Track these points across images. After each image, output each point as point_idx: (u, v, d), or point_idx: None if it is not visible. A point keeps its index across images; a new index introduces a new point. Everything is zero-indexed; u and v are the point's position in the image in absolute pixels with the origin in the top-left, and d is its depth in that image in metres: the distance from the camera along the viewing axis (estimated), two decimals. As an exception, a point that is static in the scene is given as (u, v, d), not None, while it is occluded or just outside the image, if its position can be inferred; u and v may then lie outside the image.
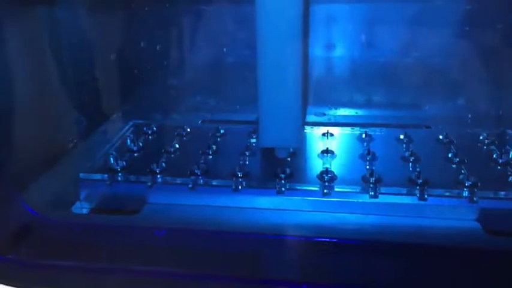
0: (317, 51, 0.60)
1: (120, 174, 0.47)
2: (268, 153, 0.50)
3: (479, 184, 0.43)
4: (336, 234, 0.41)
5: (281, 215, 0.44)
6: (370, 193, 0.43)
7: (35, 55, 0.54)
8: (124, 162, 0.48)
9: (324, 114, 0.62)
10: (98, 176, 0.47)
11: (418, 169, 0.46)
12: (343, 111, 0.63)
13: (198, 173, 0.47)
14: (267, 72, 0.44)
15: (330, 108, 0.62)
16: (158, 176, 0.47)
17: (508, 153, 0.48)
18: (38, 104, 0.54)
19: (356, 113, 0.62)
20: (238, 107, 0.64)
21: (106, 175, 0.47)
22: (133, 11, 0.62)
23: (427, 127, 0.58)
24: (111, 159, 0.48)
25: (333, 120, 0.61)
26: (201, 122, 0.63)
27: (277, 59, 0.43)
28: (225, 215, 0.44)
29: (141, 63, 0.64)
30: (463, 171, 0.45)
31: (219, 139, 0.55)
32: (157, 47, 0.63)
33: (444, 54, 0.59)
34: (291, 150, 0.49)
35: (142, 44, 0.63)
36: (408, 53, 0.60)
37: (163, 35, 0.63)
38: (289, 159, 0.49)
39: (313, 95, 0.61)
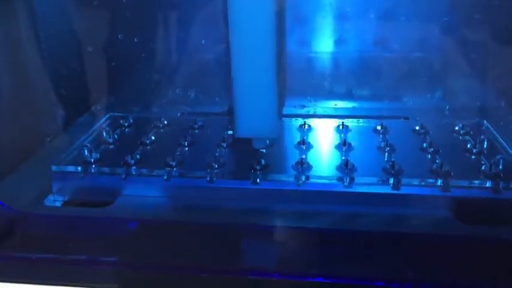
0: (295, 44, 0.60)
1: (93, 166, 0.47)
2: (245, 145, 0.50)
3: (452, 173, 0.43)
4: (310, 224, 0.41)
5: (256, 205, 0.44)
6: (345, 183, 0.44)
7: (11, 47, 0.54)
8: (98, 155, 0.48)
9: (304, 107, 0.62)
10: (71, 169, 0.47)
11: (392, 159, 0.46)
12: (322, 104, 0.63)
13: (173, 165, 0.46)
14: (240, 61, 0.43)
15: (310, 101, 0.62)
16: (132, 168, 0.46)
17: (482, 143, 0.48)
18: (14, 97, 0.53)
19: (335, 104, 0.62)
20: (217, 99, 0.64)
21: (79, 167, 0.47)
22: (112, 2, 0.62)
23: (406, 118, 0.59)
24: (85, 151, 0.48)
25: (312, 112, 0.61)
26: (180, 114, 0.63)
27: (250, 46, 0.42)
28: (199, 206, 0.44)
29: (120, 56, 0.63)
30: (437, 161, 0.45)
31: (196, 131, 0.55)
32: (136, 39, 0.63)
33: (422, 46, 0.60)
34: (268, 141, 0.49)
35: (120, 37, 0.62)
36: (387, 45, 0.60)
37: (142, 27, 0.63)
38: (264, 150, 0.49)
39: (293, 87, 0.61)
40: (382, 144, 0.49)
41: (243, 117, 0.46)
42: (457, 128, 0.53)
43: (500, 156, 0.45)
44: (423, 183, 0.43)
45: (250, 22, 0.42)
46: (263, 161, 0.46)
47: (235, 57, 0.43)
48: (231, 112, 0.46)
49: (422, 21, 0.59)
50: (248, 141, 0.50)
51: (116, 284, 0.37)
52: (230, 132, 0.54)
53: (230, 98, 0.45)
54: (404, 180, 0.43)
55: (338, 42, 0.60)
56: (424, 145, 0.49)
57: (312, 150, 0.50)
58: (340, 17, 0.59)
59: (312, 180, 0.44)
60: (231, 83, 0.44)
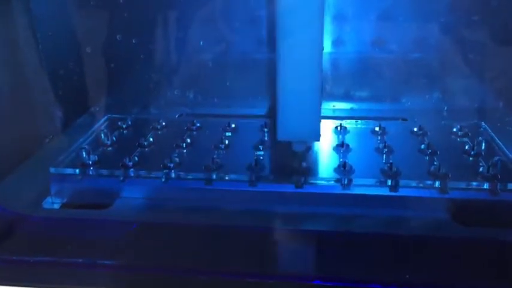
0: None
1: (92, 168, 0.47)
2: (242, 146, 0.50)
3: (450, 175, 0.43)
4: (308, 226, 0.41)
5: (254, 207, 0.44)
6: (343, 185, 0.44)
7: (9, 47, 0.54)
8: (96, 157, 0.48)
9: None
10: (69, 171, 0.47)
11: (390, 161, 0.46)
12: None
13: (171, 167, 0.46)
14: (286, 64, 0.43)
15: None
16: (131, 170, 0.46)
17: (480, 145, 0.48)
18: (12, 98, 0.53)
19: (333, 106, 0.62)
20: (216, 100, 0.64)
21: (77, 169, 0.47)
22: (110, 3, 0.62)
23: (404, 120, 0.59)
24: (83, 153, 0.48)
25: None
26: (179, 116, 0.63)
27: (297, 50, 0.42)
28: (198, 208, 0.44)
29: (118, 57, 0.63)
30: (435, 163, 0.45)
31: (194, 133, 0.55)
32: (134, 40, 0.63)
33: (421, 47, 0.60)
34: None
35: (118, 38, 0.62)
36: (385, 46, 0.60)
37: (140, 28, 0.63)
38: (262, 152, 0.49)
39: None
40: (380, 146, 0.49)
41: (287, 120, 0.45)
42: (455, 130, 0.53)
43: (498, 157, 0.45)
44: (421, 185, 0.43)
45: (298, 28, 0.42)
46: (261, 163, 0.46)
47: (281, 60, 0.43)
48: (271, 114, 0.45)
49: (420, 22, 0.59)
50: (247, 142, 0.51)
51: (114, 287, 0.37)
52: (228, 133, 0.54)
53: (273, 99, 0.44)
54: (402, 182, 0.43)
55: (336, 43, 0.60)
56: (422, 147, 0.49)
57: (309, 151, 0.50)
58: (339, 18, 0.59)
59: (310, 182, 0.44)
60: (276, 86, 0.44)
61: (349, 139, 0.51)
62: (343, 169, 0.45)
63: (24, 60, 0.57)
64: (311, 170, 0.46)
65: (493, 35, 0.57)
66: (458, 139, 0.51)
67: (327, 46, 0.60)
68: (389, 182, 0.43)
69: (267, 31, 0.60)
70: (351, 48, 0.60)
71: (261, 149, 0.50)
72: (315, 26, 0.41)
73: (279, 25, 0.41)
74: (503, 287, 0.36)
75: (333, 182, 0.44)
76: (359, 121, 0.56)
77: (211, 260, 0.38)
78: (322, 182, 0.44)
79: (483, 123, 0.54)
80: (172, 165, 0.46)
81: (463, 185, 0.43)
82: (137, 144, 0.51)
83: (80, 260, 0.39)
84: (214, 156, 0.48)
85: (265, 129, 0.53)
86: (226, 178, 0.45)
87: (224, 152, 0.50)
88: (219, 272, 0.37)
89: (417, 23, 0.59)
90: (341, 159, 0.47)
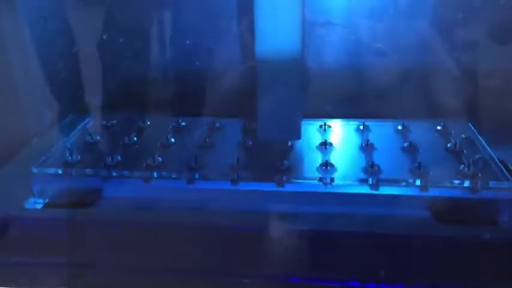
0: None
1: (75, 168, 0.47)
2: (226, 146, 0.50)
3: (430, 173, 0.44)
4: (288, 225, 0.41)
5: (237, 205, 0.44)
6: (325, 183, 0.44)
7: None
8: (79, 156, 0.48)
9: None
10: (51, 170, 0.46)
11: (373, 159, 0.46)
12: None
13: (155, 166, 0.46)
14: (267, 59, 0.43)
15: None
16: (114, 169, 0.46)
17: (463, 144, 0.48)
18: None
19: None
20: (200, 101, 0.64)
21: (60, 169, 0.47)
22: (96, 2, 0.62)
23: (388, 118, 0.59)
24: (66, 152, 0.48)
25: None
26: (164, 116, 0.63)
27: (277, 52, 0.43)
28: (180, 207, 0.44)
29: (105, 56, 0.63)
30: (417, 161, 0.45)
31: (179, 132, 0.55)
32: (121, 40, 0.62)
33: (408, 46, 0.60)
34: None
35: (104, 37, 0.62)
36: (373, 46, 0.61)
37: (128, 27, 0.62)
38: (244, 151, 0.49)
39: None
40: (364, 144, 0.49)
41: (267, 119, 0.46)
42: (439, 128, 0.53)
43: (478, 156, 0.45)
44: (402, 183, 0.43)
45: (277, 28, 0.42)
46: (245, 162, 0.46)
47: (261, 57, 0.44)
48: (254, 114, 0.46)
49: (406, 21, 0.59)
50: (230, 141, 0.51)
51: (96, 286, 0.37)
52: (212, 133, 0.54)
53: (255, 99, 0.45)
54: (383, 181, 0.43)
55: (321, 42, 0.60)
56: (405, 145, 0.49)
57: (293, 150, 0.50)
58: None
59: (291, 180, 0.44)
60: (257, 85, 0.44)
61: (333, 138, 0.52)
62: (326, 168, 0.45)
63: (8, 60, 0.56)
64: (293, 168, 0.46)
65: (480, 35, 0.58)
66: (442, 137, 0.52)
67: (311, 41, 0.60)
68: (370, 181, 0.43)
69: (250, 33, 0.60)
70: (335, 47, 0.60)
71: (244, 148, 0.50)
72: (295, 25, 0.42)
73: (257, 24, 0.42)
74: (483, 284, 0.36)
75: (314, 180, 0.44)
76: (343, 120, 0.56)
77: (193, 259, 0.38)
78: (304, 180, 0.44)
79: (467, 122, 0.54)
80: (155, 164, 0.46)
81: (444, 183, 0.43)
82: (121, 143, 0.51)
83: (62, 260, 0.38)
84: (197, 156, 0.48)
85: (248, 129, 0.53)
86: (209, 177, 0.45)
87: (207, 151, 0.50)
88: (201, 270, 0.37)
89: (405, 22, 0.59)
90: (324, 158, 0.47)
